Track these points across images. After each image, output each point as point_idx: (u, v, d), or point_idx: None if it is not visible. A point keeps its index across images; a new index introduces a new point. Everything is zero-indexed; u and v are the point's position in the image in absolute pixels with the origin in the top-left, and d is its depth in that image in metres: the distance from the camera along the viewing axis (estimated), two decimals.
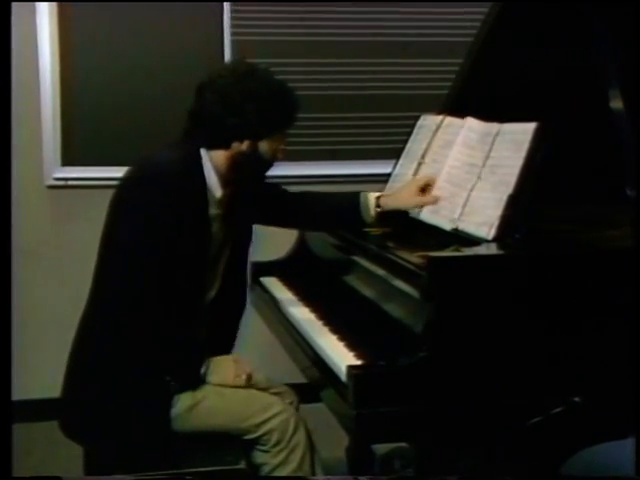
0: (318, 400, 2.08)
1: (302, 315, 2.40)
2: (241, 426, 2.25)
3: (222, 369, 2.26)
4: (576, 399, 1.87)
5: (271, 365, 2.63)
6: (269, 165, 2.34)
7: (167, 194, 2.13)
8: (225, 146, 2.24)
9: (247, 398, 2.29)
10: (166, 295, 2.12)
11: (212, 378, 2.24)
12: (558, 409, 1.86)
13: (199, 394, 2.23)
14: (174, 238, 2.13)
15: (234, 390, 2.27)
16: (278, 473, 2.26)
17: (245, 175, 2.32)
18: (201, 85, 2.26)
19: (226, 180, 2.29)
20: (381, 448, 2.87)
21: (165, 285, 2.12)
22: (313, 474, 2.31)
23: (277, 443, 2.24)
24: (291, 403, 2.40)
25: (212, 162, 2.25)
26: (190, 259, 2.19)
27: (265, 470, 2.27)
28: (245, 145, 2.24)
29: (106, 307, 2.18)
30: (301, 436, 2.27)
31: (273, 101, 2.23)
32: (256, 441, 2.26)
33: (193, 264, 2.22)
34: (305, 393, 2.29)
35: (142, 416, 2.18)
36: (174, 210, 2.13)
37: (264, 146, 2.26)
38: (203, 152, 2.25)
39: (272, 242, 3.22)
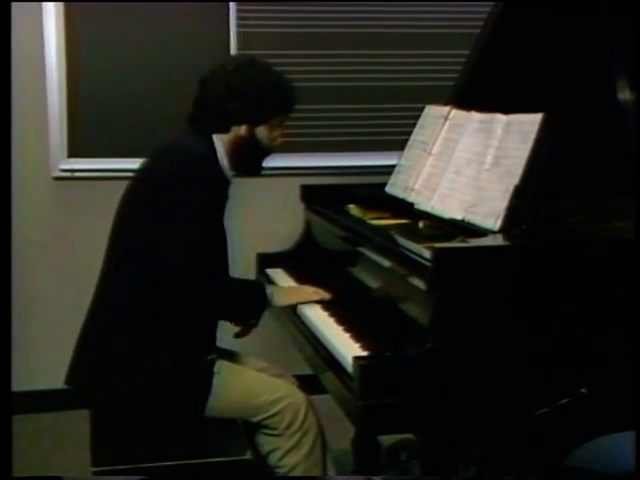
0: (324, 391, 2.08)
1: (308, 307, 2.40)
2: (253, 402, 2.26)
3: (285, 291, 2.49)
4: (583, 390, 1.87)
5: (277, 356, 2.63)
6: (267, 152, 2.43)
7: (211, 179, 2.26)
8: (224, 130, 2.35)
9: (259, 377, 2.35)
10: (217, 260, 2.31)
11: (279, 300, 2.40)
12: (565, 400, 1.86)
13: (214, 368, 2.26)
14: (219, 214, 2.30)
15: (245, 368, 2.37)
16: (290, 458, 2.26)
17: (243, 159, 2.39)
18: (204, 77, 2.38)
19: (230, 165, 2.39)
20: (387, 439, 2.87)
21: (216, 252, 2.30)
22: (324, 463, 2.32)
23: (289, 425, 2.25)
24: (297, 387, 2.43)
25: (223, 148, 2.36)
26: (220, 234, 2.33)
27: (276, 456, 2.27)
28: (243, 129, 2.34)
29: (153, 282, 2.22)
30: (312, 421, 2.29)
31: (271, 88, 2.35)
32: (266, 424, 2.26)
33: (221, 239, 2.35)
34: (311, 384, 2.29)
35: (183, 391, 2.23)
36: (217, 191, 2.28)
37: (262, 132, 2.37)
38: (215, 138, 2.34)
39: (278, 234, 3.23)
